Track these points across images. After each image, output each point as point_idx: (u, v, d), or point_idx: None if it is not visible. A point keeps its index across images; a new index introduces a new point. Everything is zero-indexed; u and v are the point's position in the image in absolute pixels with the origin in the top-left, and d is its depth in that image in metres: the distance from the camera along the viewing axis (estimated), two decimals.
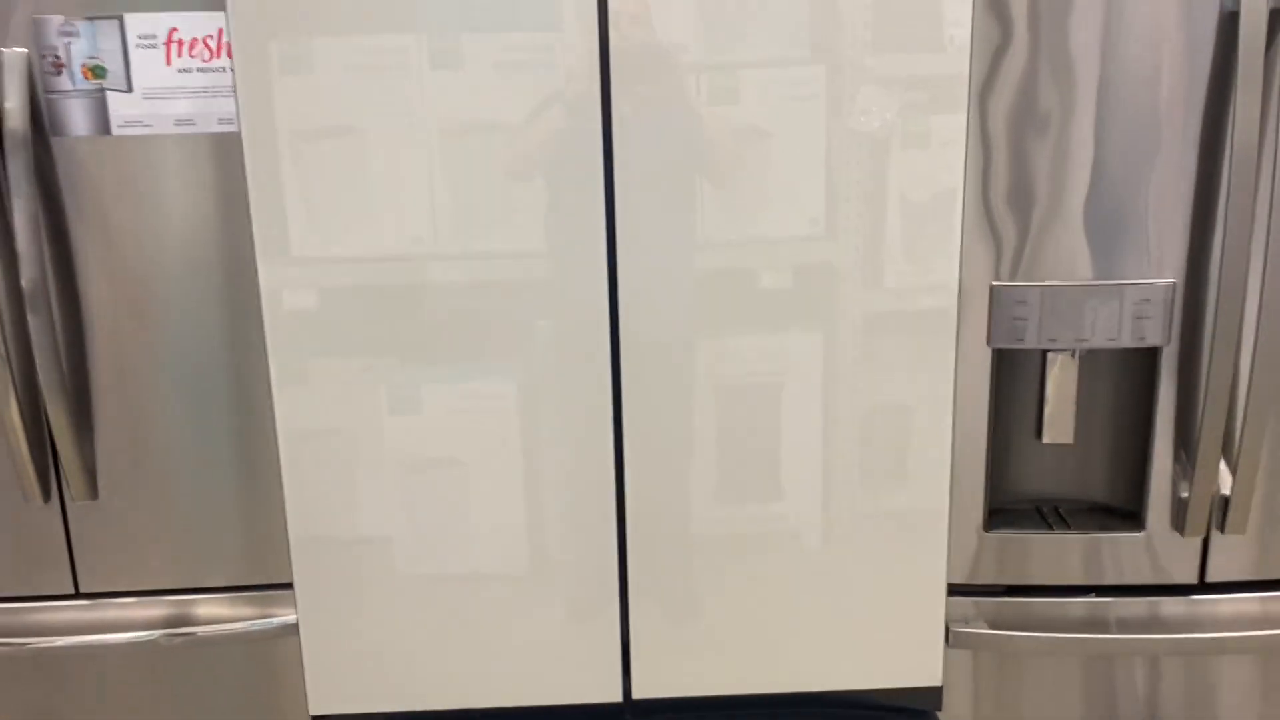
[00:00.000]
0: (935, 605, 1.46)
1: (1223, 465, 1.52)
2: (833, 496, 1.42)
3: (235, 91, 1.28)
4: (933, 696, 1.48)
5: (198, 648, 1.64)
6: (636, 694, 1.45)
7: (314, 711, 1.44)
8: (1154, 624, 1.60)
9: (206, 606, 1.63)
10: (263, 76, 1.27)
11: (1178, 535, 1.57)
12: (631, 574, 1.42)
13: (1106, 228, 1.45)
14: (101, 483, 1.57)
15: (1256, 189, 1.40)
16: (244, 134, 1.28)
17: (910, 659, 1.47)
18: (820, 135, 1.30)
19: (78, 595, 1.62)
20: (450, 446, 1.39)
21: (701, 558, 1.43)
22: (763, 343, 1.37)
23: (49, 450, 1.54)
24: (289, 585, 1.46)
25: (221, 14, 1.27)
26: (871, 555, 1.44)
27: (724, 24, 1.27)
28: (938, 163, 1.33)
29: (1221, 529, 1.54)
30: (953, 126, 1.32)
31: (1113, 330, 1.47)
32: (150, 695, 1.67)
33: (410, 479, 1.39)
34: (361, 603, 1.42)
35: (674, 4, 1.26)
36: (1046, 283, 1.47)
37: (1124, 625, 1.60)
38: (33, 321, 1.45)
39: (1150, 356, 1.52)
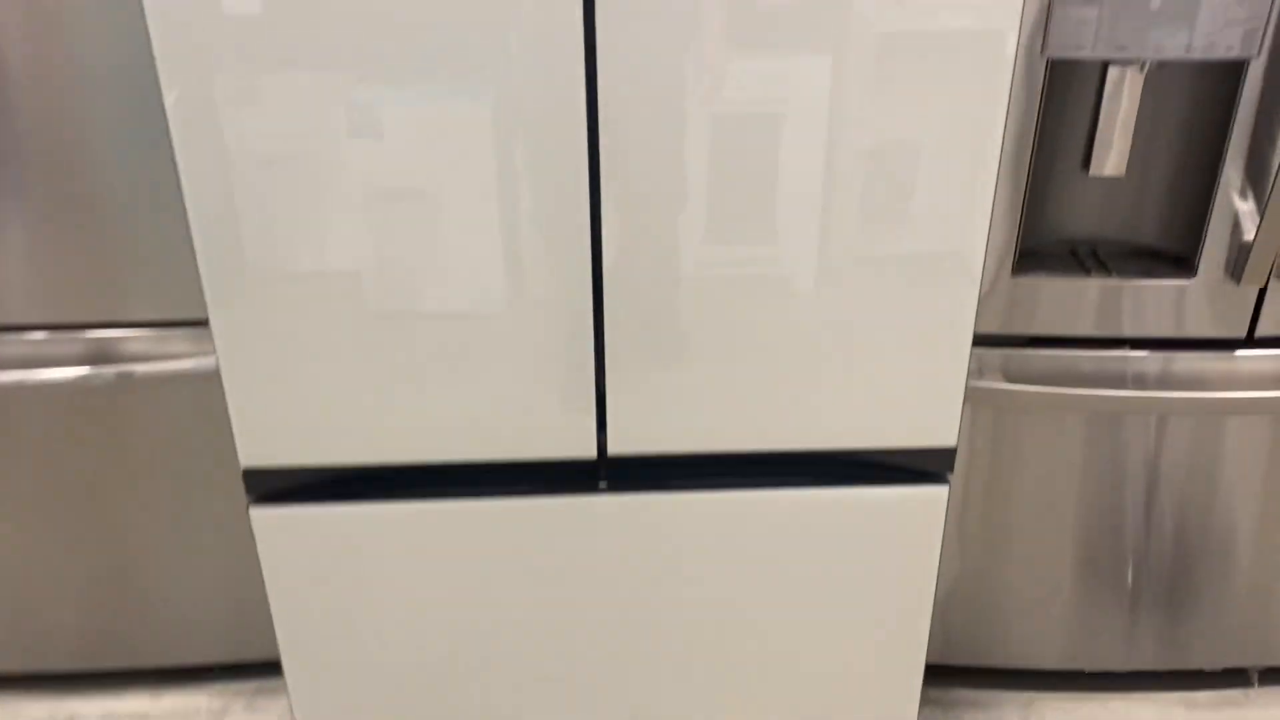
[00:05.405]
0: (957, 359, 1.26)
1: None
2: (836, 237, 1.19)
3: None
4: (945, 459, 1.31)
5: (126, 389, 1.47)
6: (612, 450, 1.28)
7: (245, 465, 1.26)
8: (1197, 381, 1.44)
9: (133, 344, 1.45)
10: None
11: (1231, 284, 1.38)
12: (608, 320, 1.22)
13: None
14: None
15: None
16: None
17: (924, 418, 1.29)
18: None
19: None
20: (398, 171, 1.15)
21: (690, 303, 1.22)
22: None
23: None
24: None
25: None
26: (884, 302, 1.23)
27: None
28: None
29: None
30: None
31: (1195, 37, 1.22)
32: (77, 437, 1.51)
33: (359, 207, 1.16)
34: (291, 345, 1.22)
35: None
36: None
37: (1163, 382, 1.44)
38: None
39: (1232, 74, 1.28)
